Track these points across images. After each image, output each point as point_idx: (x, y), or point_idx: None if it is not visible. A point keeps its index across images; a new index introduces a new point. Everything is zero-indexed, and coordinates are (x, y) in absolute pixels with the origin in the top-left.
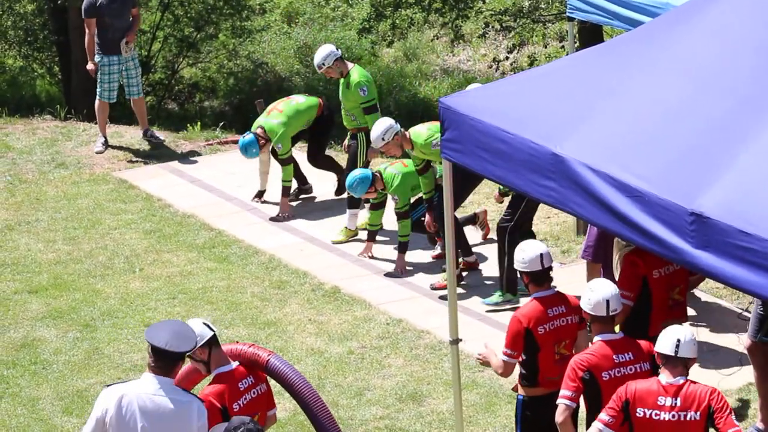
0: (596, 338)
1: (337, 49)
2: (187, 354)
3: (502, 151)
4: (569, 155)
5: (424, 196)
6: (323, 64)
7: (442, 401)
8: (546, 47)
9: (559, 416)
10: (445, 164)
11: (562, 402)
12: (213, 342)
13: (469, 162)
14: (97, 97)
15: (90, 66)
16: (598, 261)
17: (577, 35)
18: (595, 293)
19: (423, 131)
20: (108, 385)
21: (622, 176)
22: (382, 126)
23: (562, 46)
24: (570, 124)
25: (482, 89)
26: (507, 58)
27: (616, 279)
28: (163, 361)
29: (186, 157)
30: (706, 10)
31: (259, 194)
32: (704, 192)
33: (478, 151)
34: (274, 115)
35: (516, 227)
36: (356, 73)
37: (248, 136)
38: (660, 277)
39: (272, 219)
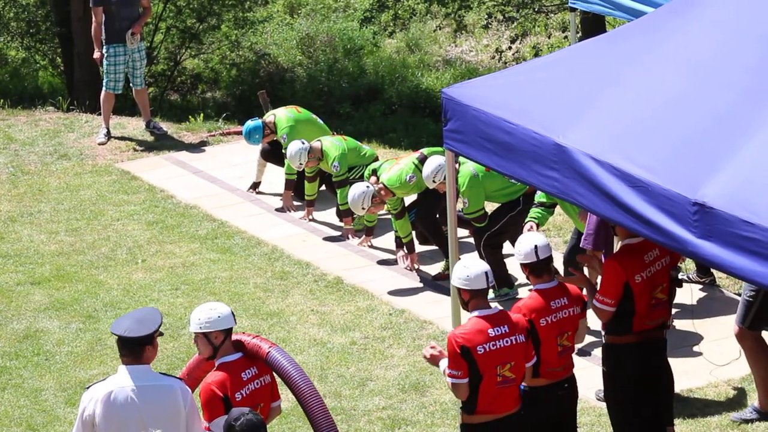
0: (473, 314)
1: (302, 143)
2: (201, 332)
3: (504, 141)
4: (572, 145)
5: (403, 240)
6: (301, 163)
7: (445, 391)
8: (549, 37)
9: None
10: (447, 155)
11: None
12: (229, 333)
13: (471, 153)
14: (103, 88)
15: (96, 55)
16: (599, 249)
17: (579, 26)
18: (471, 269)
19: (393, 175)
20: (88, 387)
21: (625, 166)
22: (358, 195)
23: (565, 37)
24: (573, 114)
25: (485, 80)
26: (510, 48)
27: None
28: (128, 349)
29: (188, 149)
30: (709, 0)
31: (254, 185)
32: (707, 182)
33: (481, 141)
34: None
35: (493, 235)
36: (328, 151)
37: (254, 122)
38: (642, 281)
39: (279, 210)
